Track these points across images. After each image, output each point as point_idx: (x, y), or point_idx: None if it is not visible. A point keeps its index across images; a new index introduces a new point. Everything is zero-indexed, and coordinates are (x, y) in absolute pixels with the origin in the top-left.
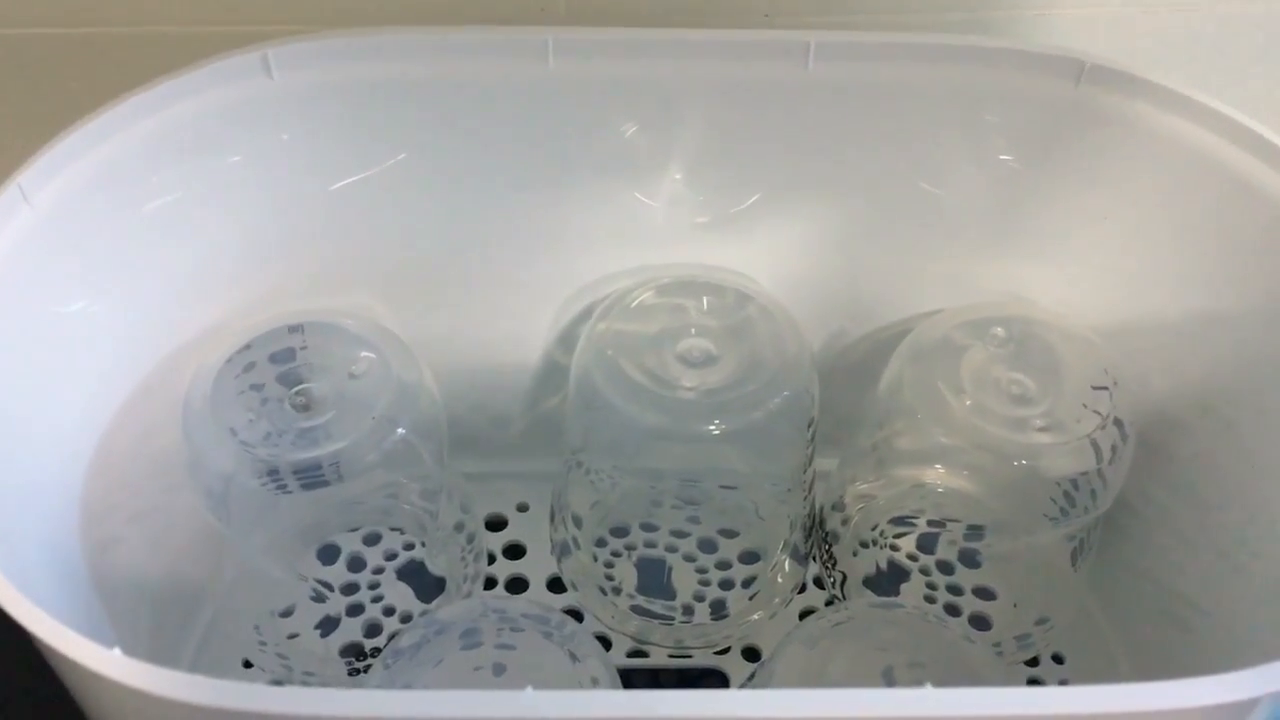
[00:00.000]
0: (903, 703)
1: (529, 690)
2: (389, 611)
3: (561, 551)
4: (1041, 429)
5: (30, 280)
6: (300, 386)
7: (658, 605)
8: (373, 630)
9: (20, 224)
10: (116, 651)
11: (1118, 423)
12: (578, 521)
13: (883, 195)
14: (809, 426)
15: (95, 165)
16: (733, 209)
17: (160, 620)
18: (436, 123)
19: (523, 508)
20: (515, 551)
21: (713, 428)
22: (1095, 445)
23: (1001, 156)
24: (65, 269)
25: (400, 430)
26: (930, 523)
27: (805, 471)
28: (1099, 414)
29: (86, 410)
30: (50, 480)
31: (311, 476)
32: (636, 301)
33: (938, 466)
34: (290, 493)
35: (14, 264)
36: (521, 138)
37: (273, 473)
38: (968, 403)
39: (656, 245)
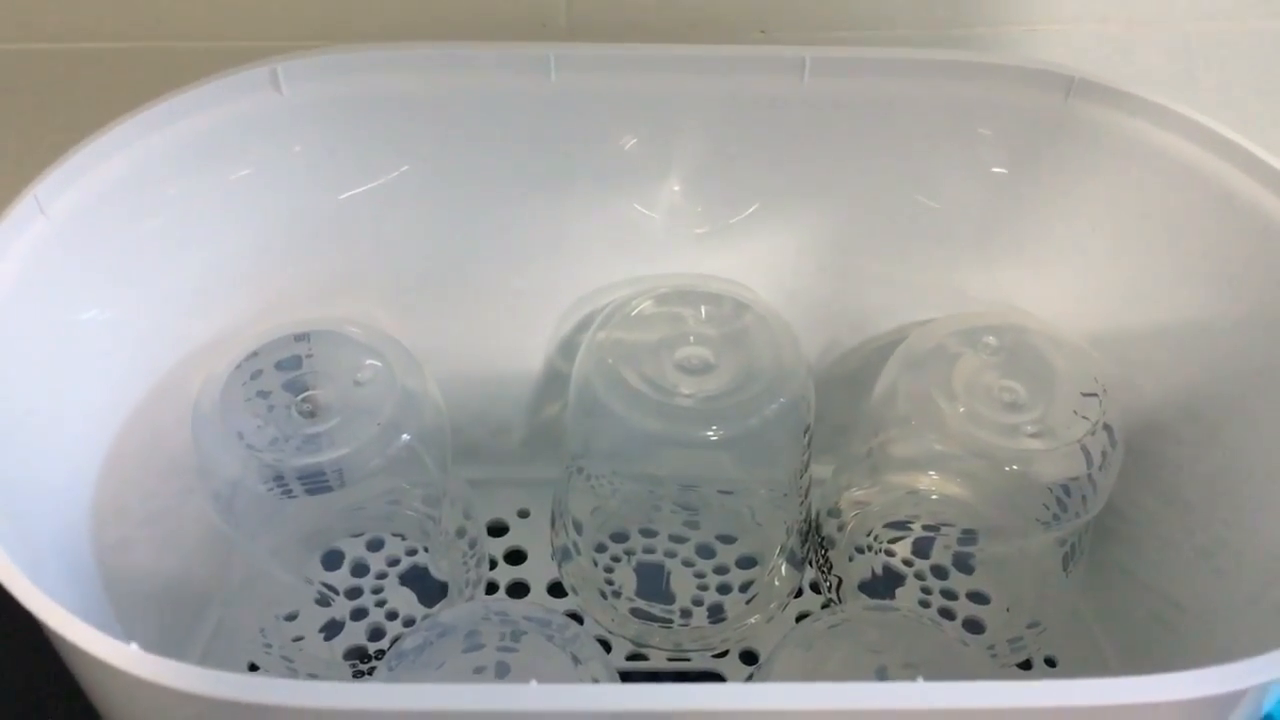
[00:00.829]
0: (894, 695)
1: (533, 683)
2: (392, 616)
3: (562, 556)
4: (1033, 435)
5: (46, 288)
6: (306, 393)
7: (657, 609)
8: (376, 634)
9: (37, 234)
10: (134, 646)
11: (1107, 428)
12: (578, 527)
13: (877, 206)
14: (805, 433)
15: (109, 177)
16: (730, 220)
17: (167, 622)
18: (441, 136)
19: (524, 514)
20: (516, 557)
21: (710, 434)
22: (1085, 450)
23: (993, 169)
24: (80, 277)
25: (404, 437)
26: (925, 528)
27: (801, 477)
28: (1089, 420)
29: (98, 415)
30: (63, 483)
31: (316, 482)
32: (636, 310)
33: (931, 473)
34: (295, 497)
35: (31, 272)
36: (523, 150)
37: (278, 478)
38: (961, 410)
39: (655, 255)
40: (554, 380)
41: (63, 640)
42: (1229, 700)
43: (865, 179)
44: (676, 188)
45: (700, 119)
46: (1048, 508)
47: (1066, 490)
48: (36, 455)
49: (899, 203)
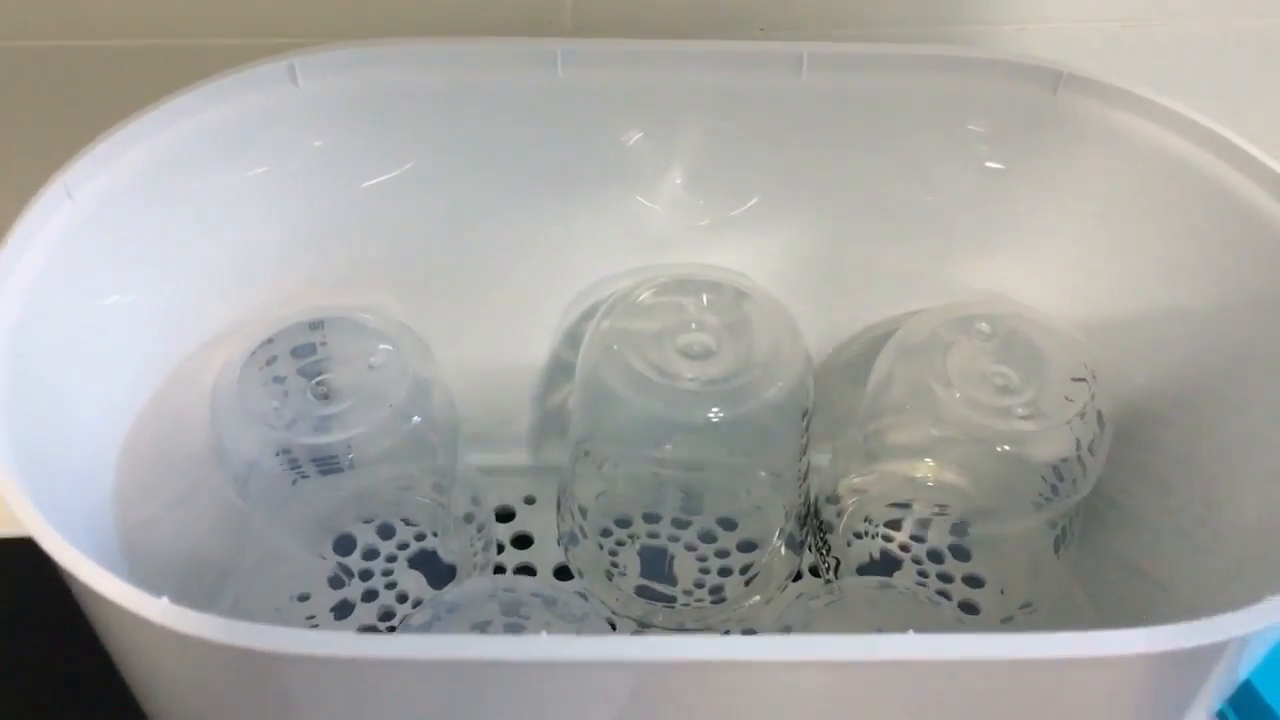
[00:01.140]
0: (886, 648)
1: (544, 634)
2: (402, 598)
3: (569, 541)
4: (1024, 417)
5: (73, 272)
6: (320, 378)
7: (660, 589)
8: (386, 615)
9: (65, 219)
10: (164, 599)
11: (1097, 412)
12: (584, 512)
13: (874, 199)
14: (804, 416)
15: (134, 166)
16: (731, 212)
17: (185, 603)
18: (451, 129)
19: (530, 500)
20: (523, 541)
21: (712, 416)
22: (1075, 432)
23: (986, 161)
24: (104, 263)
25: (415, 419)
26: (921, 513)
27: (800, 461)
28: (1079, 403)
29: (120, 398)
30: (87, 465)
31: (329, 463)
32: (639, 299)
33: (927, 459)
34: (308, 478)
35: (58, 257)
36: (530, 144)
37: (292, 458)
38: (955, 395)
39: (658, 247)
40: (559, 369)
41: (97, 597)
42: (1202, 656)
43: (861, 172)
44: (679, 180)
45: (702, 113)
46: (1040, 491)
47: (1058, 473)
48: (63, 436)
49: (894, 195)
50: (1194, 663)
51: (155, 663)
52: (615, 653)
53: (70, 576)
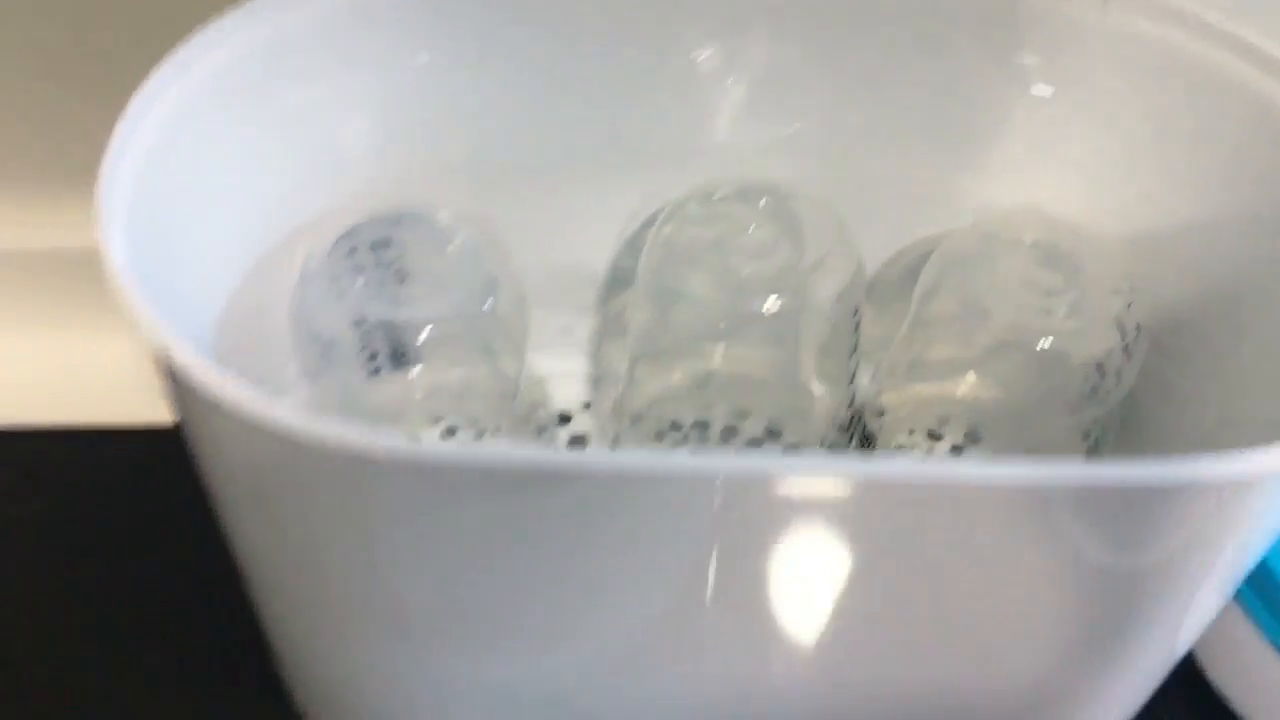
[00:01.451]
0: (944, 468)
1: (599, 448)
2: None
3: (623, 445)
4: (1068, 317)
5: (184, 152)
6: (396, 268)
7: None
8: None
9: (177, 96)
10: (287, 402)
11: (1135, 323)
12: (639, 416)
13: (923, 118)
14: (854, 314)
15: (227, 59)
16: (787, 130)
17: None
18: (529, 39)
19: (587, 405)
20: (579, 444)
21: (767, 310)
22: (1115, 334)
23: (1032, 80)
24: (208, 146)
25: (486, 311)
26: (963, 423)
27: (849, 361)
28: (1117, 308)
29: (218, 283)
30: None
31: (401, 351)
32: (698, 206)
33: (971, 368)
34: (380, 372)
35: (169, 134)
36: (601, 55)
37: (368, 344)
38: (1000, 299)
39: (717, 161)
40: (619, 277)
41: (217, 404)
42: (1220, 496)
43: (912, 92)
44: (738, 96)
45: (763, 29)
46: (1079, 394)
47: (1098, 371)
48: (170, 314)
49: (943, 112)
50: (1212, 502)
51: (269, 475)
52: (703, 465)
53: (208, 398)
